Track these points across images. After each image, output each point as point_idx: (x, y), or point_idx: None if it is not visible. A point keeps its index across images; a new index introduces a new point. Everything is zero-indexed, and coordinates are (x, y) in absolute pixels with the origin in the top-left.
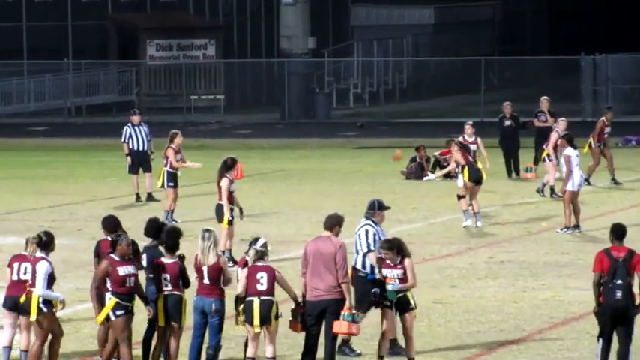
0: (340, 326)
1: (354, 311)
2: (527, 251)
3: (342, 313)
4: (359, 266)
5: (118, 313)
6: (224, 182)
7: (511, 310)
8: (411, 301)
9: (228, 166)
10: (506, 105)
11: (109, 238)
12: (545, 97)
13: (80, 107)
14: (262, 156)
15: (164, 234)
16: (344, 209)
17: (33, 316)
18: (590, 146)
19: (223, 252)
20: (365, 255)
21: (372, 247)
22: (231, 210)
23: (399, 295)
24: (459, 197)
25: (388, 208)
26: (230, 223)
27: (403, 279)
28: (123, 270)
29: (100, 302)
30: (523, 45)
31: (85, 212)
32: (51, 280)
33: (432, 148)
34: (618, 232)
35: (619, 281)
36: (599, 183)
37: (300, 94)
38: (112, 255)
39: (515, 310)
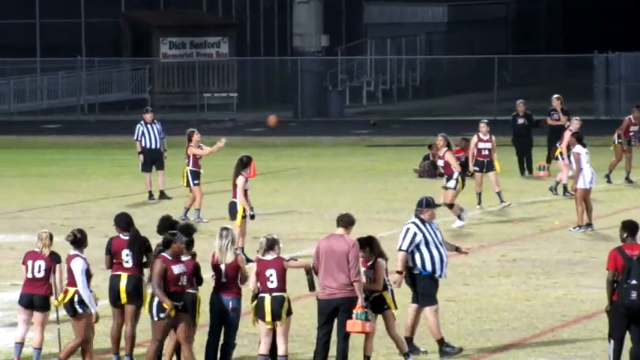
0: (354, 325)
1: (366, 310)
2: (540, 249)
3: (355, 311)
4: (410, 264)
5: (162, 315)
6: (240, 180)
7: (523, 308)
8: (388, 302)
9: (244, 163)
10: (520, 103)
11: (121, 236)
12: (557, 96)
13: (93, 105)
14: (275, 154)
15: (179, 232)
16: (357, 207)
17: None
18: (614, 142)
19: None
20: (399, 249)
21: (404, 247)
22: (251, 208)
23: (375, 295)
24: (450, 206)
25: (438, 205)
26: (252, 217)
27: (373, 279)
28: (177, 269)
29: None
30: (536, 43)
31: (97, 210)
32: (88, 276)
33: None
34: (632, 228)
35: (634, 281)
36: (613, 181)
37: (313, 92)
38: (164, 254)
39: (527, 309)
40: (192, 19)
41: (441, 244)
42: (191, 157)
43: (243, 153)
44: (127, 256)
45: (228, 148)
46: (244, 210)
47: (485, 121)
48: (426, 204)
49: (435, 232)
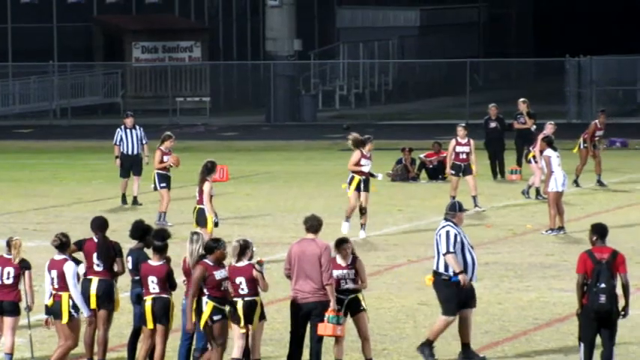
0: (325, 328)
1: (338, 313)
2: (512, 253)
3: (327, 315)
4: (441, 269)
5: (216, 318)
6: (206, 186)
7: (496, 311)
8: (362, 303)
9: (209, 169)
10: (492, 107)
11: (94, 239)
12: (523, 99)
13: (65, 109)
14: (248, 158)
15: (152, 236)
16: (329, 211)
17: (65, 319)
18: (579, 147)
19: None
20: (444, 256)
21: (451, 249)
22: (215, 214)
23: (351, 296)
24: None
25: (467, 210)
26: (216, 224)
27: (355, 279)
28: (219, 274)
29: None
30: (508, 47)
31: (70, 214)
32: (77, 279)
33: (418, 150)
34: (601, 231)
35: (603, 285)
36: (584, 184)
37: (285, 96)
38: (206, 260)
39: (500, 312)
40: (164, 24)
41: (472, 247)
42: (156, 161)
43: (209, 158)
44: (97, 260)
45: (200, 152)
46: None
47: (463, 124)
48: (459, 208)
49: (465, 236)
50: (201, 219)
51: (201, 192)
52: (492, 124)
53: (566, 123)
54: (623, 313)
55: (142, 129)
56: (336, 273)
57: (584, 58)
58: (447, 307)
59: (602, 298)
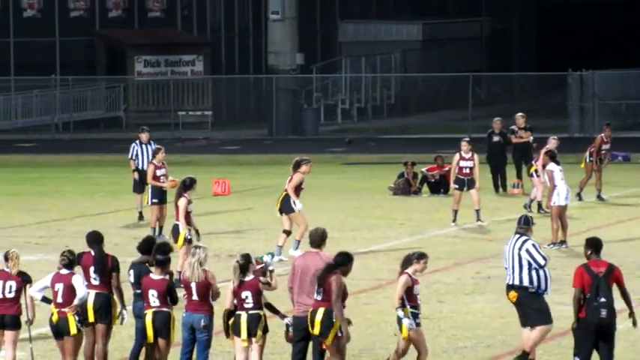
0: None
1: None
2: None
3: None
4: (526, 283)
5: (417, 321)
6: (182, 202)
7: (498, 325)
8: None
9: (187, 185)
10: (497, 121)
11: (92, 252)
12: (521, 114)
13: (68, 123)
14: (250, 172)
15: (154, 250)
16: (331, 225)
17: (73, 331)
18: (585, 160)
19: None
20: (543, 267)
21: (547, 259)
22: (189, 230)
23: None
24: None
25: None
26: (189, 242)
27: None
28: (416, 289)
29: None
30: (511, 61)
31: (72, 228)
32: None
33: (420, 164)
34: (596, 245)
35: (603, 299)
36: (586, 198)
37: (288, 110)
38: (408, 271)
39: (502, 326)
40: (166, 38)
41: None
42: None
43: (189, 175)
44: (94, 273)
45: (202, 166)
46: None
47: (467, 139)
48: (532, 222)
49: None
50: (175, 234)
51: (177, 207)
52: (495, 138)
53: (568, 137)
54: (633, 322)
55: (156, 144)
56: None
57: (587, 72)
58: (545, 316)
59: (604, 313)
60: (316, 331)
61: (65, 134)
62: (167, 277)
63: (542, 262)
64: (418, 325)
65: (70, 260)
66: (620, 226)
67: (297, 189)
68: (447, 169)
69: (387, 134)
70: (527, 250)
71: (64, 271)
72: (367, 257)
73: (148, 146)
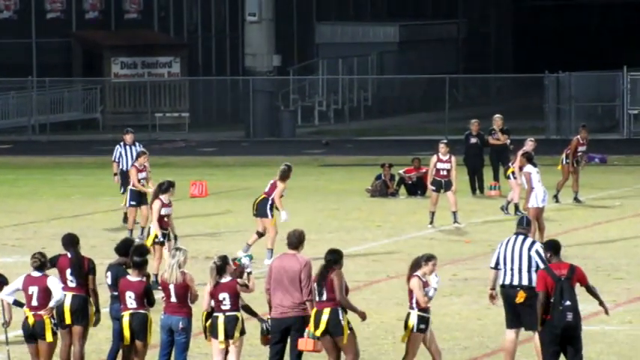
0: (305, 344)
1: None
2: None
3: (308, 330)
4: (534, 284)
5: (422, 327)
6: (156, 204)
7: (475, 327)
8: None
9: (163, 189)
10: (474, 122)
11: (68, 255)
12: (498, 115)
13: (44, 125)
14: (227, 174)
15: (131, 252)
16: (309, 227)
17: (49, 338)
18: (562, 162)
19: (148, 276)
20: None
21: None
22: (164, 234)
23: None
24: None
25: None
26: (160, 244)
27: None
28: (427, 291)
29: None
30: (487, 63)
31: (49, 230)
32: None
33: (398, 166)
34: (555, 247)
35: (567, 302)
36: (563, 200)
37: (265, 112)
38: (418, 274)
39: (479, 328)
40: (143, 39)
41: None
42: (130, 177)
43: (168, 179)
44: (70, 275)
45: (179, 168)
46: (156, 235)
47: (445, 141)
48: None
49: None
50: (149, 235)
51: (152, 210)
52: (473, 140)
53: (545, 139)
54: (605, 311)
55: (141, 146)
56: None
57: (563, 73)
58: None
59: (569, 316)
60: (320, 331)
61: (42, 136)
62: (144, 278)
63: (542, 265)
64: (422, 330)
65: (42, 262)
66: (596, 228)
67: (280, 196)
68: (424, 170)
69: (365, 136)
70: (537, 252)
71: (36, 274)
72: (345, 259)
73: (133, 147)
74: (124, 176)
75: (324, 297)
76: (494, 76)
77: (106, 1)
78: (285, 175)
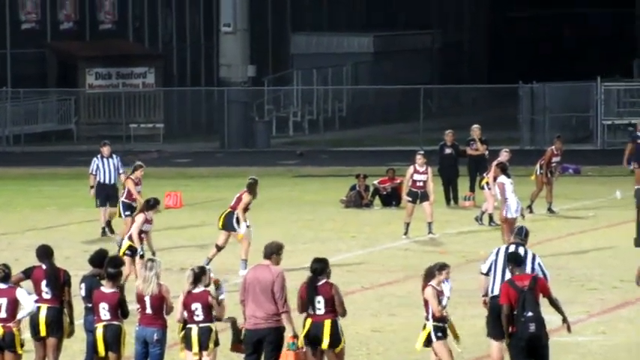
0: (287, 356)
1: (296, 340)
2: (466, 279)
3: (287, 342)
4: None
5: (439, 335)
6: (139, 218)
7: (450, 338)
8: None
9: (150, 205)
10: (448, 133)
11: (43, 266)
12: (477, 125)
13: (19, 136)
14: (202, 185)
15: (106, 263)
16: (284, 238)
17: (19, 350)
18: (535, 173)
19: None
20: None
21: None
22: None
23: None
24: None
25: None
26: (131, 256)
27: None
28: (442, 301)
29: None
30: (462, 73)
31: (23, 242)
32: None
33: (372, 177)
34: (516, 259)
35: (530, 313)
36: (537, 211)
37: (239, 123)
38: (432, 283)
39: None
40: (118, 50)
41: None
42: (126, 189)
43: (155, 196)
44: (46, 287)
45: (154, 178)
46: (130, 247)
47: (422, 152)
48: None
49: None
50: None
51: (133, 221)
52: (447, 151)
53: (519, 149)
54: (567, 328)
55: (118, 158)
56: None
57: (537, 84)
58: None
59: (532, 327)
60: (325, 344)
61: (16, 147)
62: (118, 290)
63: (549, 276)
64: (441, 338)
65: (6, 274)
66: (570, 239)
67: (246, 209)
68: (398, 181)
69: (339, 146)
70: (540, 264)
71: (2, 285)
72: None
73: (110, 160)
74: (101, 189)
75: (322, 310)
76: (469, 87)
77: (81, 11)
78: (251, 189)
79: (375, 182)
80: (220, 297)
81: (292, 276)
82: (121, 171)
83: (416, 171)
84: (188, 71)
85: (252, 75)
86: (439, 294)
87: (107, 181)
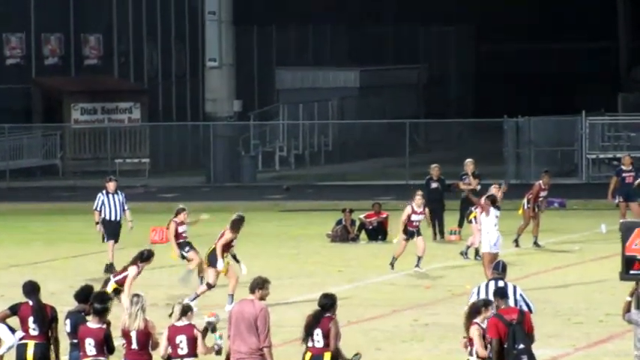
0: None
1: None
2: (452, 314)
3: None
4: None
5: None
6: (132, 270)
7: None
8: None
9: (144, 257)
10: (434, 167)
11: (30, 303)
12: (470, 160)
13: (4, 171)
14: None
15: (92, 298)
16: (269, 272)
17: None
18: (523, 207)
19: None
20: (532, 313)
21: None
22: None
23: None
24: None
25: None
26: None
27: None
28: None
29: None
30: (448, 107)
31: (7, 278)
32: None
33: (358, 211)
34: (501, 293)
35: (521, 346)
36: (523, 244)
37: (225, 158)
38: (477, 321)
39: None
40: (103, 85)
41: None
42: (171, 230)
43: (149, 248)
44: (33, 324)
45: (140, 213)
46: (116, 289)
47: (421, 193)
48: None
49: None
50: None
51: (124, 270)
52: (434, 185)
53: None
54: None
55: (124, 194)
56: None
57: (522, 118)
58: None
59: (524, 359)
60: None
61: (1, 182)
62: (104, 325)
63: (534, 308)
64: None
65: None
66: (556, 272)
67: (227, 245)
68: (384, 215)
69: (325, 181)
70: (522, 296)
71: None
72: (305, 305)
73: (115, 196)
74: (108, 225)
75: (321, 343)
76: (455, 121)
77: (66, 46)
78: (234, 226)
79: (361, 216)
80: (218, 342)
81: (277, 310)
82: (126, 207)
83: (414, 211)
84: (174, 106)
85: (238, 110)
86: (484, 331)
87: (113, 218)
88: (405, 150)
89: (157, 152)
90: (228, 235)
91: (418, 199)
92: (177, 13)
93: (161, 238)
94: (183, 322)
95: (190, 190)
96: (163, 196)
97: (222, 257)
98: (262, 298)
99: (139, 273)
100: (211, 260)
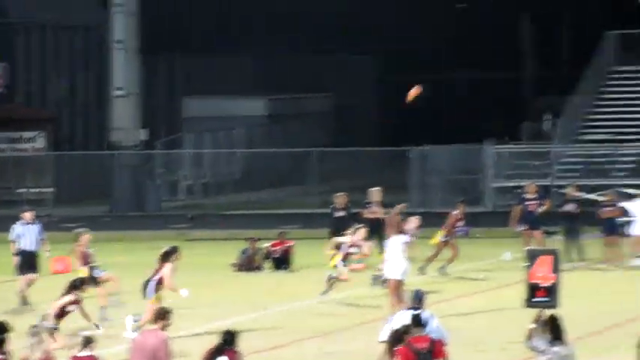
0: None
1: None
2: (356, 341)
3: None
4: None
5: None
6: (65, 299)
7: None
8: None
9: (76, 286)
10: (340, 196)
11: None
12: (377, 188)
13: None
14: (92, 249)
15: None
16: (173, 301)
17: None
18: (438, 237)
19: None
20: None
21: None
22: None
23: None
24: None
25: None
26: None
27: None
28: None
29: None
30: (354, 136)
31: None
32: None
33: (264, 240)
34: (417, 321)
35: None
36: (428, 272)
37: (130, 186)
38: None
39: None
40: (7, 114)
41: None
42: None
43: (78, 277)
44: None
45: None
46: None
47: (364, 226)
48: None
49: None
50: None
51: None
52: (339, 214)
53: (410, 212)
54: None
55: (40, 224)
56: None
57: (428, 147)
58: None
59: None
60: None
61: None
62: (3, 355)
63: (448, 337)
64: None
65: None
66: (461, 300)
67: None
68: (289, 244)
69: (231, 210)
70: (438, 326)
71: None
72: (209, 335)
73: (32, 226)
74: (24, 256)
75: None
76: (360, 150)
77: None
78: (166, 257)
79: (267, 245)
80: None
81: (180, 341)
82: (42, 237)
83: (354, 244)
84: (79, 135)
85: (144, 139)
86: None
87: (29, 248)
88: (312, 178)
89: (62, 181)
90: (169, 267)
91: (363, 232)
92: (85, 41)
93: (64, 268)
94: (85, 352)
95: (95, 219)
96: (67, 225)
97: (156, 290)
98: (163, 329)
99: (73, 302)
100: (146, 292)
